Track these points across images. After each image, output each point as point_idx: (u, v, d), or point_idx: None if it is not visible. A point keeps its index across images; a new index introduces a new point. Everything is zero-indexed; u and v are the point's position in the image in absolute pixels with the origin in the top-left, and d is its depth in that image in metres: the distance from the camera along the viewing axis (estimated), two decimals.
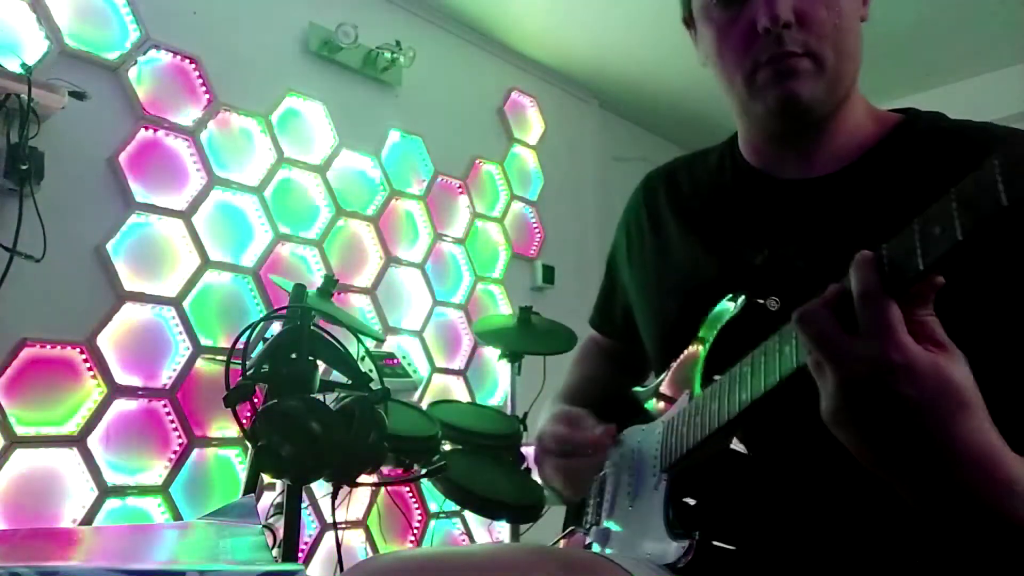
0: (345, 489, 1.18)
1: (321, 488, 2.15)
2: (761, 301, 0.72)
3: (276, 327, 1.31)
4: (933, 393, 0.47)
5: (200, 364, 2.03)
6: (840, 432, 0.51)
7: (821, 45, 0.72)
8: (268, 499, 1.72)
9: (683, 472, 0.76)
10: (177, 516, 1.91)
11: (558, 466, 0.89)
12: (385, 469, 1.69)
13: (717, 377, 0.71)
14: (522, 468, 1.98)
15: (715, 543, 0.69)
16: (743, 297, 0.74)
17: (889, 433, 0.49)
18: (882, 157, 0.75)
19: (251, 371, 1.16)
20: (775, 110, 0.74)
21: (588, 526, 0.92)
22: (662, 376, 0.86)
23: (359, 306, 2.48)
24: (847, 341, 0.49)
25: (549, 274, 3.15)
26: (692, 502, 0.74)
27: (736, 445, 0.69)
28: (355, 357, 1.30)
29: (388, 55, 2.61)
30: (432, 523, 2.48)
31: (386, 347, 2.44)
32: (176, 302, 2.02)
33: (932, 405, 0.48)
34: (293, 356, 1.19)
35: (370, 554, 2.26)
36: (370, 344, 2.15)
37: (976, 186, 0.43)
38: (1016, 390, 0.61)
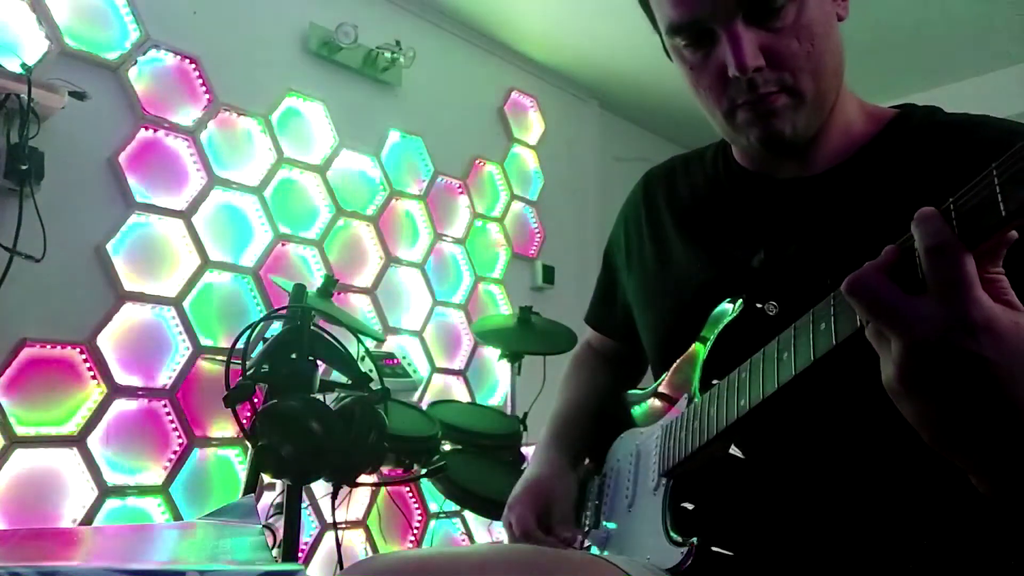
0: (345, 489, 1.18)
1: (321, 488, 2.15)
2: (760, 305, 0.72)
3: (276, 327, 1.31)
4: (1016, 355, 0.43)
5: (200, 364, 2.03)
6: (907, 403, 0.47)
7: (797, 79, 0.69)
8: (268, 499, 1.73)
9: (681, 476, 0.76)
10: (177, 516, 1.91)
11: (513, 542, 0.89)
12: (385, 469, 1.70)
13: (716, 381, 0.70)
14: (522, 468, 1.98)
15: (714, 549, 0.69)
16: (741, 301, 0.73)
17: (965, 401, 0.44)
18: (878, 152, 0.75)
19: (251, 371, 1.16)
20: (759, 147, 0.73)
21: (587, 528, 0.92)
22: (661, 378, 0.86)
23: (359, 306, 2.48)
24: (911, 302, 0.45)
25: (549, 274, 3.15)
26: (690, 507, 0.74)
27: (734, 450, 0.69)
28: (355, 357, 1.30)
29: (388, 55, 2.61)
30: (432, 523, 2.48)
31: (386, 347, 2.44)
32: (176, 302, 2.03)
33: (1015, 368, 0.43)
34: (293, 356, 1.19)
35: (370, 554, 2.26)
36: (370, 344, 2.15)
37: None
38: None
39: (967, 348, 0.43)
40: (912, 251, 0.46)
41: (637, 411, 0.90)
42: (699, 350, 0.77)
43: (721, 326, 0.75)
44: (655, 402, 0.86)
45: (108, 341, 1.89)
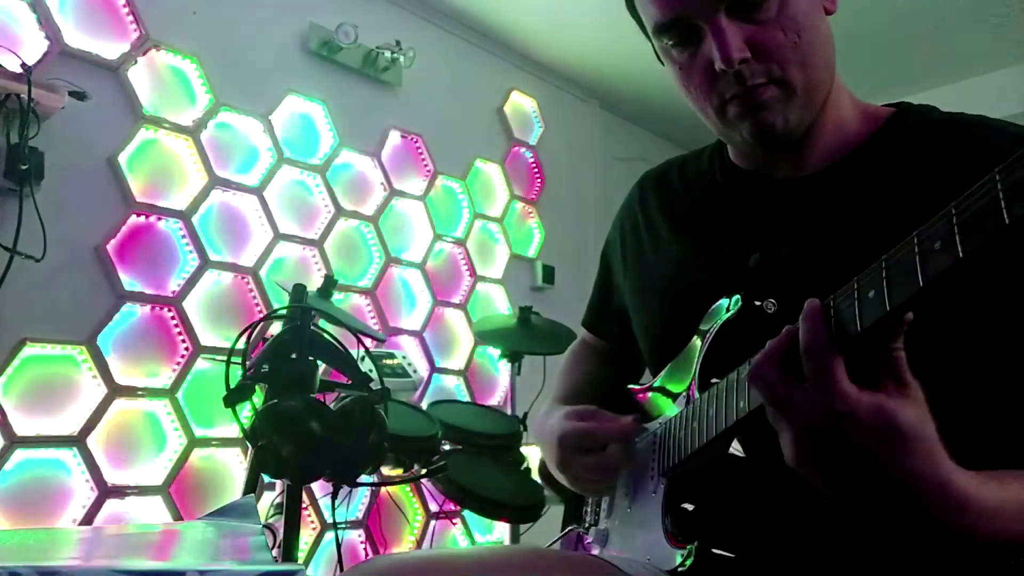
0: (345, 489, 1.18)
1: (321, 488, 2.15)
2: (758, 303, 0.72)
3: (276, 327, 1.31)
4: (878, 436, 0.50)
5: (200, 363, 2.04)
6: (803, 473, 0.54)
7: (786, 70, 0.69)
8: (268, 499, 1.73)
9: (681, 476, 0.75)
10: (177, 516, 1.91)
11: (587, 464, 0.84)
12: (385, 469, 1.70)
13: (715, 380, 0.70)
14: (522, 468, 1.98)
15: (715, 551, 0.68)
16: (739, 299, 0.73)
17: (845, 474, 0.52)
18: (873, 152, 0.74)
19: (251, 371, 1.16)
20: (752, 141, 0.73)
21: (587, 526, 0.92)
22: (659, 376, 0.85)
23: (359, 306, 2.48)
24: (796, 393, 0.52)
25: (549, 274, 3.15)
26: (690, 507, 0.74)
27: (734, 448, 0.69)
28: (355, 357, 1.29)
29: (388, 55, 2.61)
30: (432, 523, 2.48)
31: (386, 347, 2.44)
32: (176, 302, 2.03)
33: (879, 447, 0.50)
34: (293, 356, 1.19)
35: (370, 554, 2.26)
36: (370, 344, 2.15)
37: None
38: (992, 406, 0.64)
39: (840, 434, 0.50)
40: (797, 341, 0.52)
41: (635, 408, 0.90)
42: (697, 348, 0.77)
43: (719, 323, 0.75)
44: (653, 399, 0.86)
45: (108, 341, 1.90)
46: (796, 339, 0.52)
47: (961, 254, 0.42)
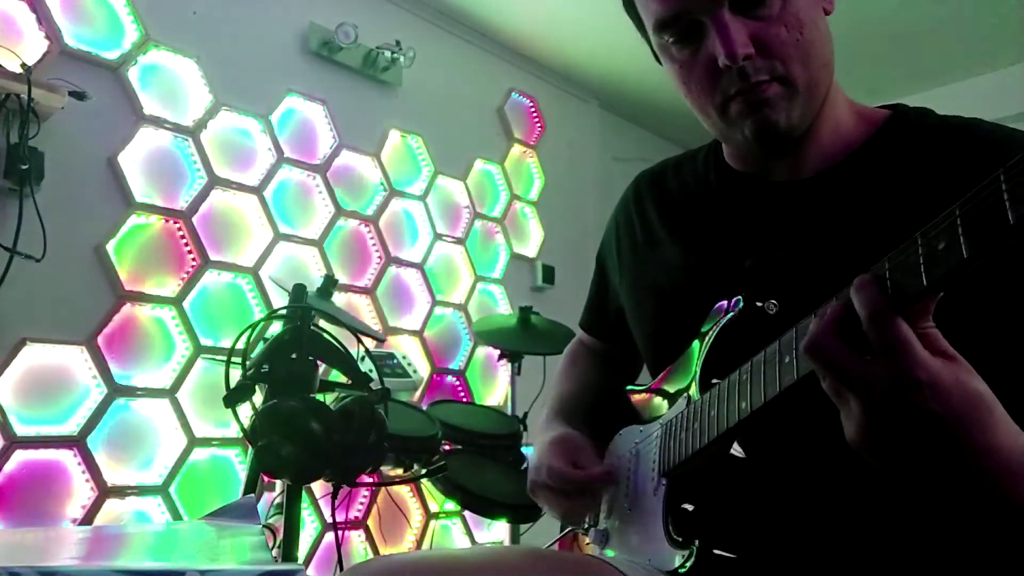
0: (345, 489, 1.18)
1: (321, 488, 2.15)
2: (760, 304, 0.72)
3: (276, 327, 1.31)
4: (961, 405, 0.47)
5: (201, 363, 2.03)
6: (871, 455, 0.50)
7: (788, 66, 0.69)
8: (268, 499, 1.73)
9: (681, 476, 0.75)
10: (177, 516, 1.91)
11: (553, 501, 0.87)
12: (385, 469, 1.70)
13: (716, 381, 0.70)
14: (522, 468, 1.98)
15: (715, 551, 0.68)
16: (740, 299, 0.73)
17: (923, 451, 0.48)
18: (872, 155, 0.74)
19: (251, 371, 1.16)
20: (753, 139, 0.72)
21: (587, 527, 0.92)
22: (659, 375, 0.85)
23: (359, 306, 2.48)
24: (863, 364, 0.48)
25: (549, 274, 3.15)
26: (691, 508, 0.74)
27: (735, 449, 0.68)
28: (355, 357, 1.29)
29: (388, 55, 2.61)
30: (432, 523, 2.48)
31: (386, 347, 2.44)
32: (176, 302, 2.03)
33: (962, 417, 0.47)
34: (293, 356, 1.19)
35: (370, 554, 2.26)
36: (370, 344, 2.15)
37: (982, 202, 0.41)
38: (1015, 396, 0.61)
39: (918, 405, 0.46)
40: (852, 312, 0.49)
41: (635, 408, 0.90)
42: (697, 348, 0.77)
43: (721, 324, 0.74)
44: (653, 399, 0.86)
45: (108, 341, 1.89)
46: (850, 310, 0.49)
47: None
